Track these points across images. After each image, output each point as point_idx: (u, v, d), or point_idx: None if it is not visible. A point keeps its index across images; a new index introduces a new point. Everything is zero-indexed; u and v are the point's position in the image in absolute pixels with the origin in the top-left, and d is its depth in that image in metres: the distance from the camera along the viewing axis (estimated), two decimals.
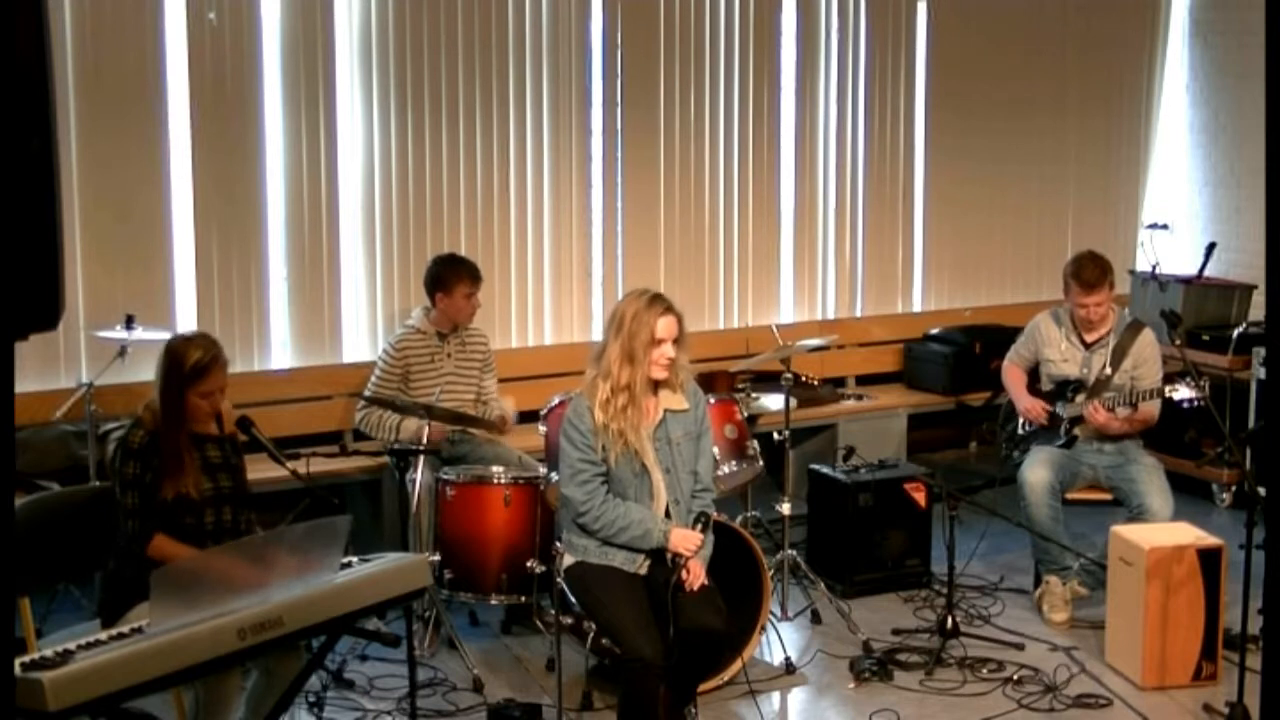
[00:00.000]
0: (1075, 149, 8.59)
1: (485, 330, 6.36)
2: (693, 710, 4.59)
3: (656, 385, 4.55)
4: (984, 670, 5.28)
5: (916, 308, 8.29)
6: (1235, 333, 7.35)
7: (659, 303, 4.50)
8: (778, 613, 5.68)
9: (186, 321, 6.26)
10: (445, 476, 5.47)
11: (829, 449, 7.04)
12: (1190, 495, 6.84)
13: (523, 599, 5.40)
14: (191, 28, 6.16)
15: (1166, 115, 8.79)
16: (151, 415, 4.33)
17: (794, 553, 5.88)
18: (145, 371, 4.97)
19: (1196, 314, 7.58)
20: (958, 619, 5.45)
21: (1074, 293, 5.84)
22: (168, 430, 4.30)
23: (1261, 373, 7.01)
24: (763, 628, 5.22)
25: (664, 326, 4.47)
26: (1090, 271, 5.82)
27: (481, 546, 5.37)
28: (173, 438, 4.30)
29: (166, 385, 4.33)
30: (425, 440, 5.50)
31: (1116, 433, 5.83)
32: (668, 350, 4.48)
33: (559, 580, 4.73)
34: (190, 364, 4.30)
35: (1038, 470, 5.81)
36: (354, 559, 3.80)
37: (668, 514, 4.54)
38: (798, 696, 5.20)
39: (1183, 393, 5.61)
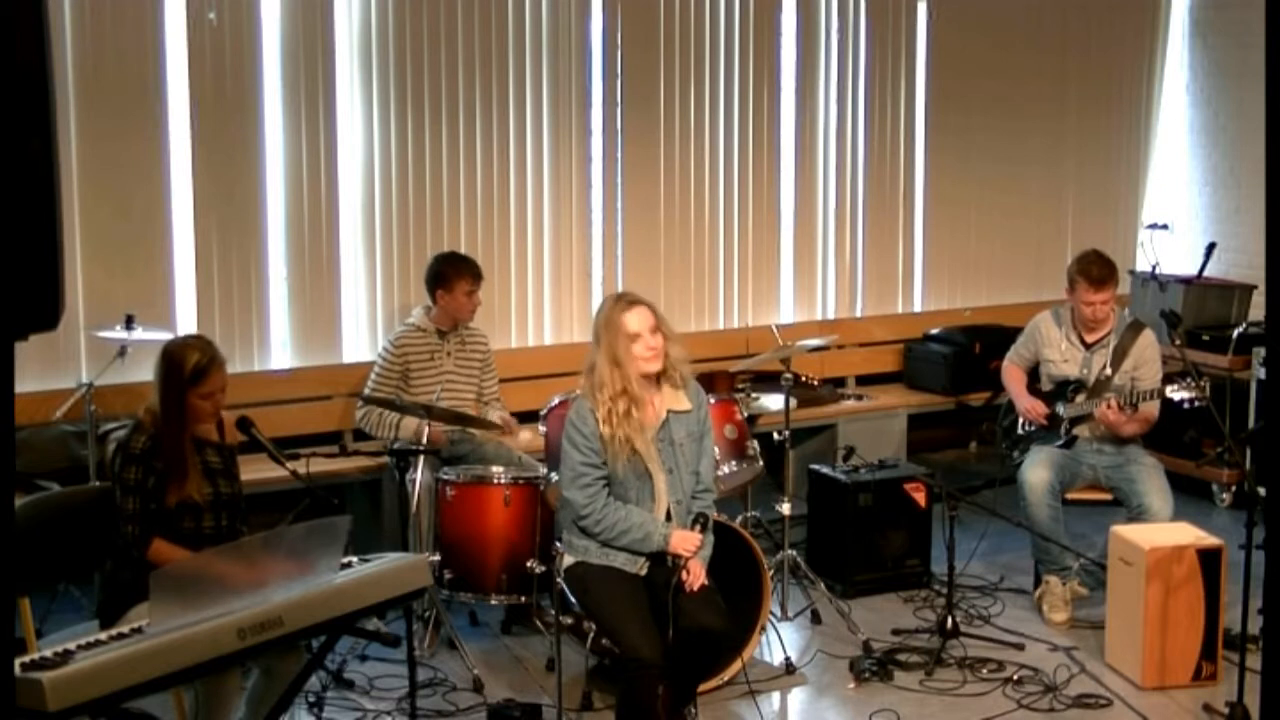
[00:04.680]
0: (1075, 149, 8.59)
1: (485, 330, 6.36)
2: (693, 710, 4.59)
3: (659, 381, 4.55)
4: (984, 670, 5.28)
5: (916, 308, 8.29)
6: (1235, 333, 7.35)
7: (623, 299, 4.57)
8: (778, 613, 5.68)
9: (186, 321, 6.26)
10: (445, 476, 5.47)
11: (829, 449, 7.04)
12: (1190, 495, 6.84)
13: (523, 599, 5.40)
14: (191, 28, 6.16)
15: (1166, 115, 8.79)
16: (152, 418, 4.33)
17: (794, 553, 5.88)
18: (145, 372, 4.97)
19: (1196, 314, 7.58)
20: (958, 619, 5.45)
21: (1081, 289, 5.83)
22: (171, 435, 4.30)
23: (1261, 373, 7.01)
24: (763, 628, 5.22)
25: (634, 319, 4.48)
26: (1099, 269, 5.82)
27: (481, 546, 5.38)
28: (176, 442, 4.30)
29: (167, 390, 4.32)
30: (425, 440, 5.50)
31: (1129, 434, 5.83)
32: (649, 340, 4.47)
33: (559, 580, 4.73)
34: (190, 367, 4.30)
35: (1038, 470, 5.81)
36: (354, 559, 3.80)
37: (669, 515, 4.54)
38: (798, 696, 5.20)
39: (1183, 393, 5.61)
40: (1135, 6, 8.65)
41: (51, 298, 2.27)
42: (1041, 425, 5.99)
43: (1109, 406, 5.73)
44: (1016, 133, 8.37)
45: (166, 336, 5.56)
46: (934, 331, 7.97)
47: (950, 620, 5.40)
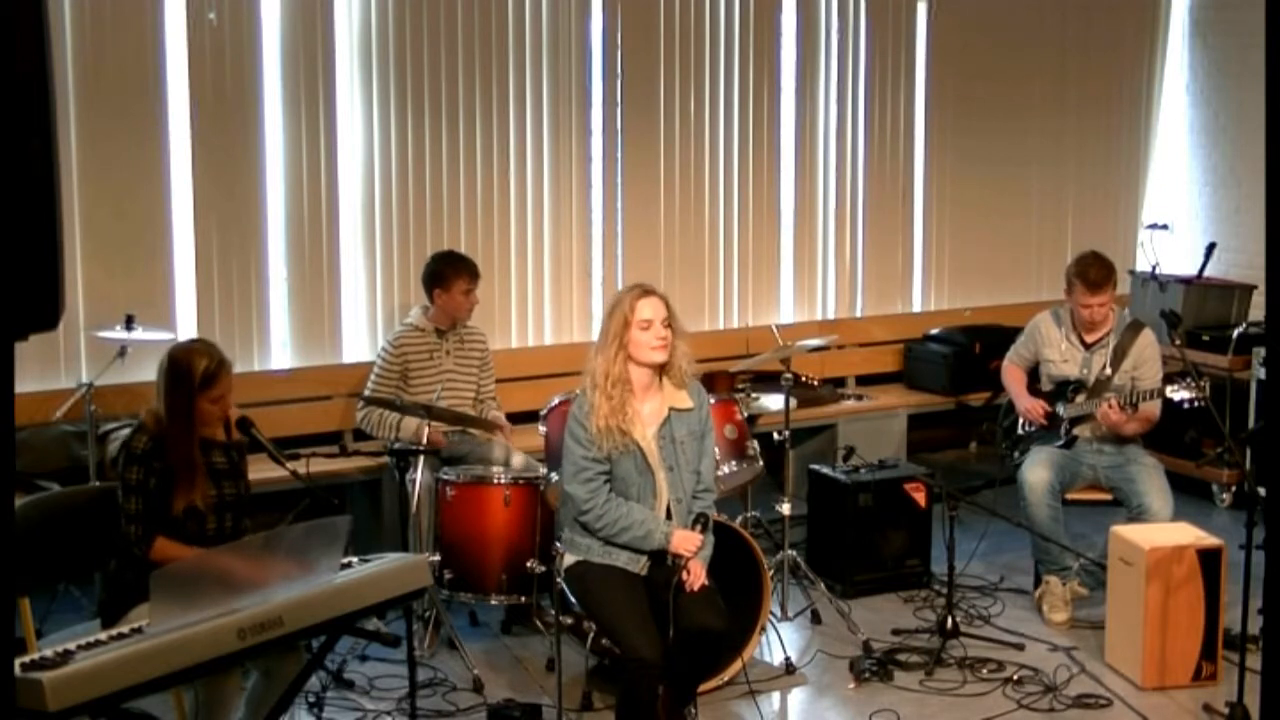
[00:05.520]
0: (1075, 149, 8.59)
1: (485, 330, 6.36)
2: (693, 710, 4.59)
3: (661, 379, 4.55)
4: (984, 670, 5.28)
5: (916, 308, 8.29)
6: (1235, 333, 7.35)
7: (640, 287, 4.55)
8: (778, 613, 5.68)
9: (186, 321, 6.26)
10: (445, 476, 5.47)
11: (829, 449, 7.04)
12: (1190, 495, 6.85)
13: (523, 599, 5.41)
14: (191, 28, 6.16)
15: (1166, 115, 8.79)
16: (155, 420, 4.30)
17: (794, 553, 5.88)
18: (145, 372, 4.97)
19: (1196, 314, 7.59)
20: (958, 619, 5.45)
21: (1078, 292, 5.84)
22: (178, 440, 4.26)
23: (1261, 373, 7.01)
24: (763, 628, 5.22)
25: (647, 306, 4.47)
26: (1096, 271, 5.82)
27: (481, 546, 5.38)
28: (184, 447, 4.26)
29: (174, 395, 4.27)
30: (425, 440, 5.50)
31: (1130, 434, 5.83)
32: (659, 330, 4.47)
33: (559, 580, 4.73)
34: (200, 372, 4.26)
35: (1038, 470, 5.81)
36: (354, 559, 3.80)
37: (669, 513, 4.54)
38: (798, 696, 5.20)
39: (1183, 393, 5.61)
40: (1135, 6, 8.65)
41: (51, 298, 2.26)
42: (1041, 425, 5.99)
43: (1110, 406, 5.73)
44: (1016, 133, 8.37)
45: (166, 336, 5.58)
46: (934, 331, 7.97)
47: (950, 620, 5.40)
